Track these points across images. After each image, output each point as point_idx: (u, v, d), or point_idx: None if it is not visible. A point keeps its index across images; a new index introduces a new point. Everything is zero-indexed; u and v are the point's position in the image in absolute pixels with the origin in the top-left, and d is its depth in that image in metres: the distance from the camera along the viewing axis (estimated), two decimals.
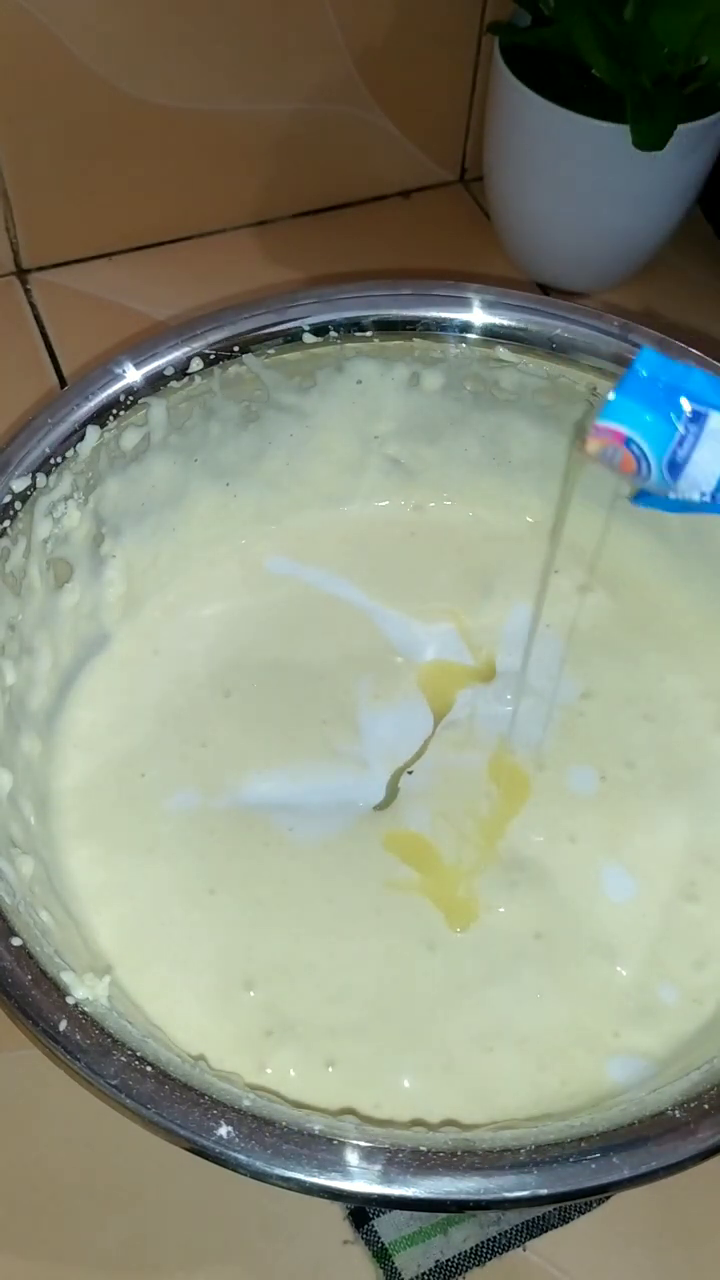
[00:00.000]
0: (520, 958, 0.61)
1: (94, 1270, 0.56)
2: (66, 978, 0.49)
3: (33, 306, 0.91)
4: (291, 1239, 0.58)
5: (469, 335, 0.68)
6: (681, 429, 0.43)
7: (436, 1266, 0.57)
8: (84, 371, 0.65)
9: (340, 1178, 0.45)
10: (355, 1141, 0.45)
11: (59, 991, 0.48)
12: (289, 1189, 0.45)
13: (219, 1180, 0.47)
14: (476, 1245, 0.57)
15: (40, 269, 0.93)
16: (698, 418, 0.43)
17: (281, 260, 0.95)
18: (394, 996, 0.60)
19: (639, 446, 0.43)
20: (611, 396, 0.44)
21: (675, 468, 0.43)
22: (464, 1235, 0.57)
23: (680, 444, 0.43)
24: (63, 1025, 0.47)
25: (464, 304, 0.67)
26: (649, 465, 0.43)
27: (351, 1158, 0.45)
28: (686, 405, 0.43)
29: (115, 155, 0.88)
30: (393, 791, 0.67)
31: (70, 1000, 0.48)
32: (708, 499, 0.43)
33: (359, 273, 0.93)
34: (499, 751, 0.68)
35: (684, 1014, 0.59)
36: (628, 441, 0.43)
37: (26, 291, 0.92)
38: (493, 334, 0.68)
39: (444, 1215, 0.57)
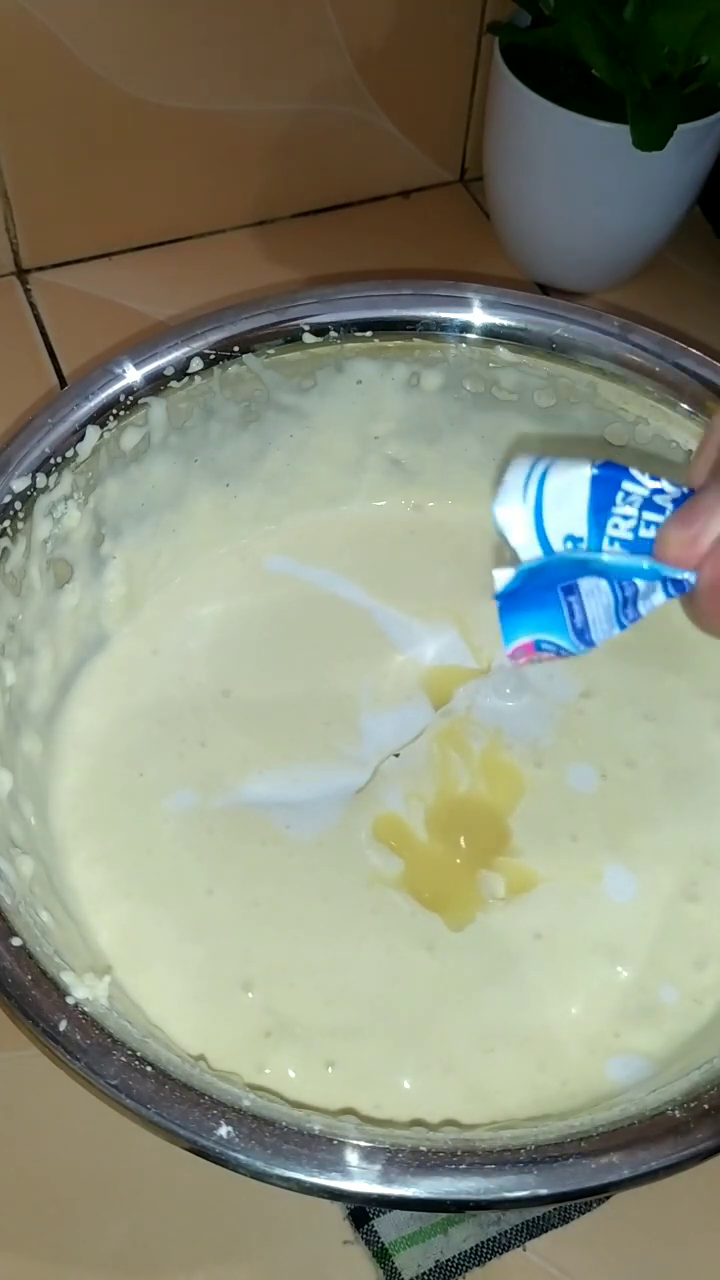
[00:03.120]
0: (520, 958, 0.61)
1: (94, 1270, 0.56)
2: (66, 978, 0.49)
3: (33, 306, 0.91)
4: (291, 1239, 0.58)
5: (469, 335, 0.68)
6: (565, 605, 0.45)
7: (436, 1266, 0.57)
8: (84, 371, 0.66)
9: (340, 1178, 0.45)
10: (355, 1141, 0.45)
11: (59, 991, 0.48)
12: (289, 1189, 0.45)
13: (219, 1180, 0.47)
14: (476, 1245, 0.57)
15: (40, 269, 0.93)
16: (570, 589, 0.45)
17: (281, 260, 0.95)
18: (393, 997, 0.59)
19: (549, 643, 0.46)
20: (501, 624, 0.47)
21: (582, 634, 0.45)
22: (464, 1235, 0.57)
23: (572, 617, 0.45)
24: (63, 1025, 0.47)
25: (464, 304, 0.67)
26: (565, 647, 0.45)
27: (351, 1158, 0.45)
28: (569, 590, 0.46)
29: (115, 155, 0.88)
30: (374, 774, 0.67)
31: (70, 1000, 0.48)
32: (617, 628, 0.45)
33: (359, 273, 0.93)
34: (492, 745, 0.68)
35: (684, 1014, 0.59)
36: (538, 645, 0.46)
37: (26, 291, 0.92)
38: (493, 334, 0.68)
39: (444, 1215, 0.57)
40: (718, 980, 0.60)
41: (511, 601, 0.46)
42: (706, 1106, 0.46)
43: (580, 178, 0.85)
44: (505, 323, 0.67)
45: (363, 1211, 0.58)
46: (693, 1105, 0.46)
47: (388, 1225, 0.57)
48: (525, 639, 0.46)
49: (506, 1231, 0.58)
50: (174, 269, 0.94)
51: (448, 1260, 0.57)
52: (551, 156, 0.86)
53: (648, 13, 0.77)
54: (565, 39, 0.79)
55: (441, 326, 0.68)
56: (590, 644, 0.46)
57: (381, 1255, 0.57)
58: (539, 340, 0.67)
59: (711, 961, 0.61)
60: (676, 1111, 0.46)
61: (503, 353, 0.68)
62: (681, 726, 0.69)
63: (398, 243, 0.98)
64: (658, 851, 0.65)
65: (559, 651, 0.46)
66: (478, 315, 0.68)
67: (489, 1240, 0.58)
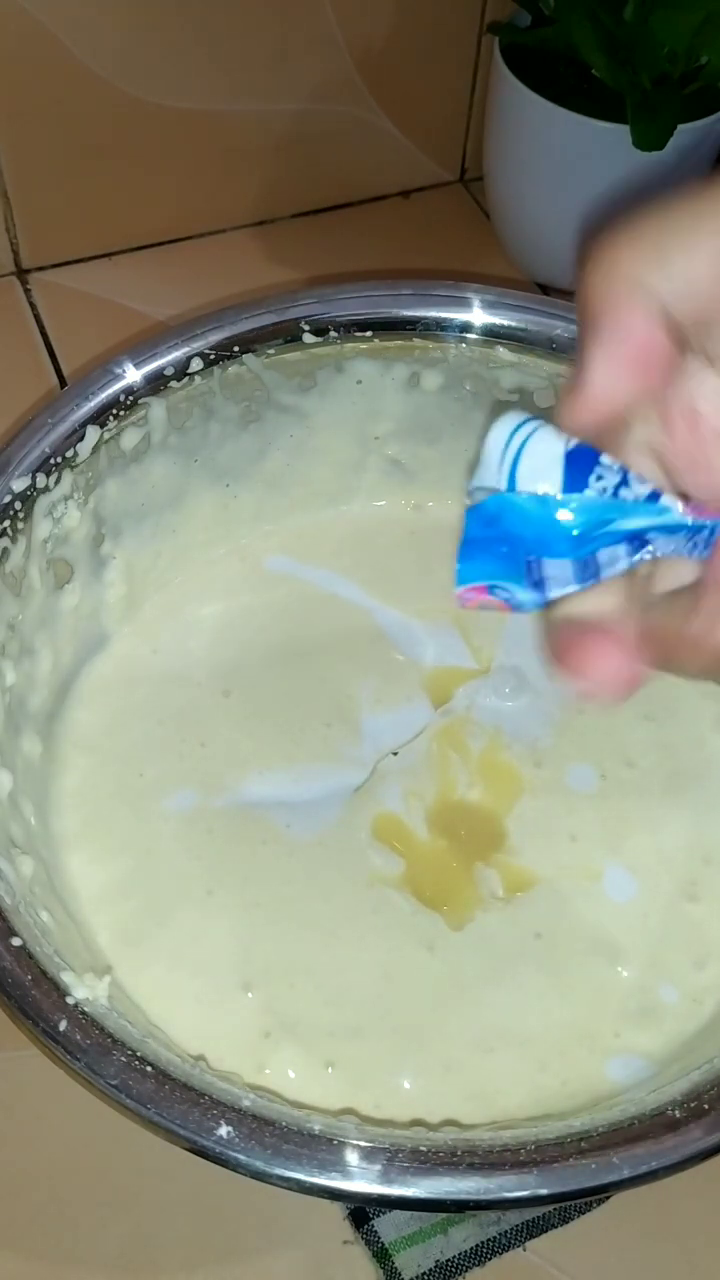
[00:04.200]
0: (520, 958, 0.61)
1: (94, 1270, 0.56)
2: (66, 978, 0.49)
3: (33, 306, 0.91)
4: (291, 1239, 0.58)
5: (469, 335, 0.68)
6: (525, 565, 0.45)
7: (436, 1266, 0.57)
8: (84, 371, 0.65)
9: (340, 1178, 0.44)
10: (355, 1141, 0.45)
11: (59, 991, 0.48)
12: (289, 1189, 0.45)
13: (219, 1180, 0.47)
14: (476, 1245, 0.57)
15: (40, 269, 0.93)
16: (534, 559, 0.45)
17: (281, 260, 0.95)
18: (393, 997, 0.59)
19: (503, 590, 0.45)
20: (457, 566, 0.45)
21: (539, 585, 0.44)
22: (464, 1235, 0.57)
23: (529, 574, 0.44)
24: (63, 1025, 0.47)
25: (464, 304, 0.67)
26: (519, 599, 0.45)
27: (351, 1158, 0.45)
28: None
29: (115, 155, 0.88)
30: (372, 772, 0.67)
31: (70, 1000, 0.48)
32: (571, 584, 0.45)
33: (359, 272, 0.93)
34: (491, 745, 0.68)
35: (684, 1014, 0.59)
36: (491, 589, 0.45)
37: (26, 291, 0.92)
38: (493, 334, 0.68)
39: (444, 1215, 0.58)
40: (718, 980, 0.60)
41: (473, 547, 0.45)
42: (706, 1106, 0.46)
43: (580, 178, 0.85)
44: (505, 323, 0.67)
45: (363, 1211, 0.58)
46: (693, 1105, 0.46)
47: (388, 1225, 0.57)
48: (480, 582, 0.46)
49: (506, 1231, 0.58)
50: (174, 269, 0.94)
51: (448, 1260, 0.57)
52: (551, 156, 0.86)
53: (648, 13, 0.77)
54: (565, 39, 0.79)
55: (441, 326, 0.68)
56: (544, 601, 0.45)
57: (381, 1255, 0.57)
58: (539, 340, 0.67)
59: (711, 961, 0.61)
60: (676, 1111, 0.46)
61: (503, 353, 0.68)
62: (681, 726, 0.69)
63: (398, 243, 0.98)
64: (658, 851, 0.65)
65: (510, 601, 0.46)
66: (478, 315, 0.67)
67: (489, 1240, 0.57)
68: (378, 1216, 0.58)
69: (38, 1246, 0.57)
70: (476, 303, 0.68)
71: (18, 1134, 0.59)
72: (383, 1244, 0.57)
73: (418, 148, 0.99)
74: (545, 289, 0.94)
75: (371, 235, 0.98)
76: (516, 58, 0.84)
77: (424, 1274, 0.57)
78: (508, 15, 0.88)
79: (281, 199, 0.97)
